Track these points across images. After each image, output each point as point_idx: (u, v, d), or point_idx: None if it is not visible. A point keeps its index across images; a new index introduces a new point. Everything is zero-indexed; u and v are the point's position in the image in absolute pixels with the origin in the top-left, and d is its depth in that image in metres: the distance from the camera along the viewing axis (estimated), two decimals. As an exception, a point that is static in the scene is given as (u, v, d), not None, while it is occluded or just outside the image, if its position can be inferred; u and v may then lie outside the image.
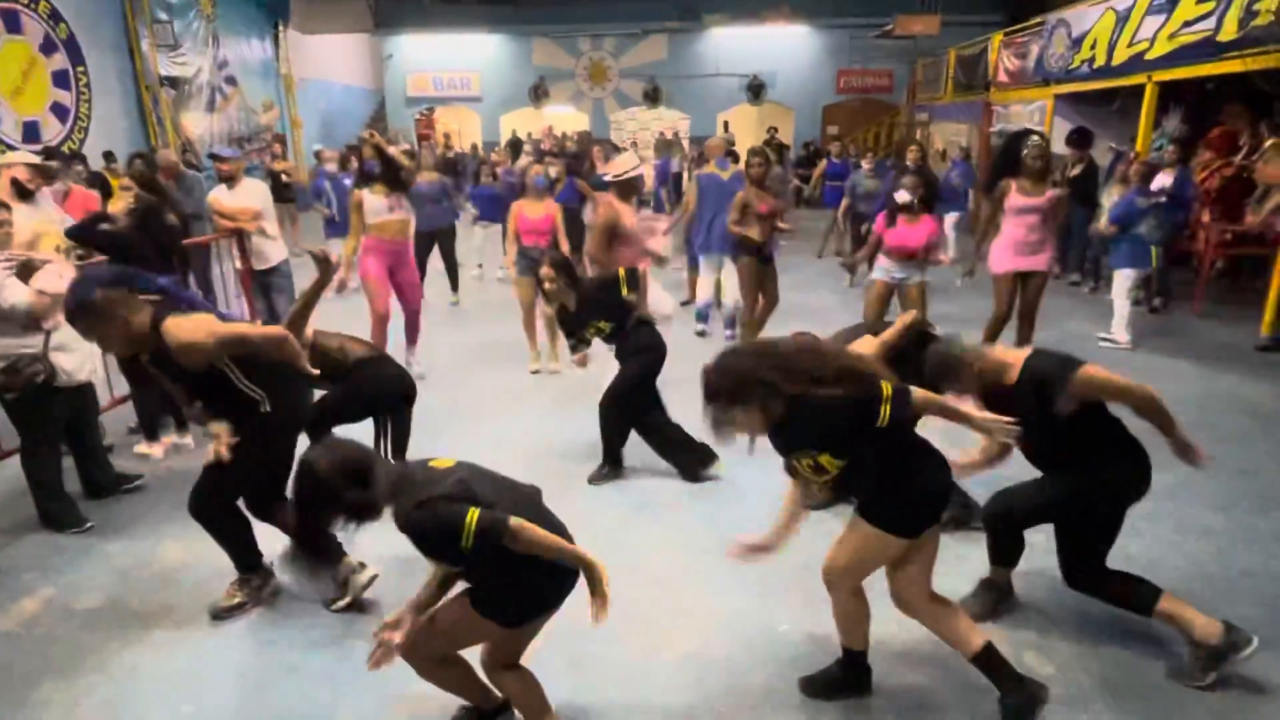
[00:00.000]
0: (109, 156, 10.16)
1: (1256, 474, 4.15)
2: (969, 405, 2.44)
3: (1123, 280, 6.44)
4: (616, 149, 10.41)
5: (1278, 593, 3.11)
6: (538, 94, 21.00)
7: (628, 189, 5.32)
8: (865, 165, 9.63)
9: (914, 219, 5.28)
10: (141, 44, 12.06)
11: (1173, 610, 2.60)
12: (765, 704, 2.59)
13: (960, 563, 3.21)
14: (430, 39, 20.62)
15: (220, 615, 3.06)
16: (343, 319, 3.98)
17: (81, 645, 2.94)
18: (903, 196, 5.29)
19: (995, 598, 2.99)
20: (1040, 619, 2.96)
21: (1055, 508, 2.73)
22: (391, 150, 5.59)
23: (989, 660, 2.40)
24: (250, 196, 5.74)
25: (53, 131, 10.34)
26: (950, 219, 9.84)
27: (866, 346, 3.28)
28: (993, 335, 5.64)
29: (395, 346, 5.41)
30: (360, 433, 3.64)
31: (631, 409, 4.16)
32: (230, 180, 5.73)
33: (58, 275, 3.57)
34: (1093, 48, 9.32)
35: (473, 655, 2.30)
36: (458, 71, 21.16)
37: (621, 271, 4.12)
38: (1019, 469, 2.85)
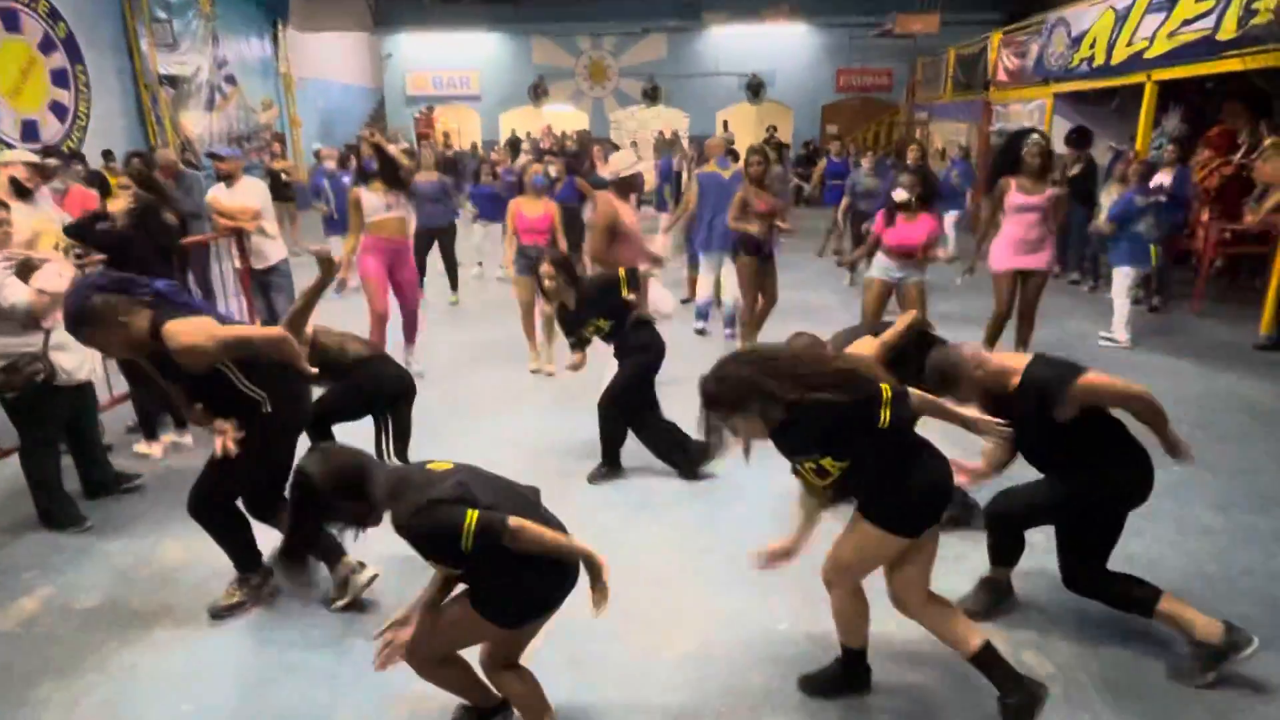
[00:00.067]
0: (108, 155, 10.15)
1: (1256, 473, 4.15)
2: (967, 408, 2.45)
3: (1122, 278, 6.44)
4: (617, 148, 10.40)
5: (1277, 592, 3.11)
6: (537, 93, 20.99)
7: (626, 187, 5.34)
8: (865, 164, 9.63)
9: (912, 217, 5.28)
10: (140, 43, 12.04)
11: (1173, 611, 2.60)
12: (765, 703, 2.59)
13: (960, 562, 3.21)
14: (429, 38, 20.61)
15: (219, 614, 3.06)
16: (342, 318, 3.98)
17: (81, 644, 2.94)
18: (900, 195, 5.29)
19: (994, 597, 2.99)
20: (1040, 618, 2.96)
21: (1057, 509, 2.73)
22: (390, 149, 5.58)
23: (987, 660, 2.40)
24: (249, 195, 5.73)
25: (51, 130, 10.33)
26: (950, 217, 9.85)
27: (867, 347, 3.29)
28: (994, 334, 5.65)
29: (394, 345, 5.41)
30: (361, 431, 3.65)
31: (630, 408, 4.17)
32: (229, 179, 5.73)
33: (57, 274, 3.57)
34: (1092, 46, 9.32)
35: (471, 654, 2.30)
36: (457, 70, 21.15)
37: (622, 271, 4.12)
38: (1021, 469, 2.85)
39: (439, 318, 7.75)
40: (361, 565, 3.10)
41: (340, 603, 3.07)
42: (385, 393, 3.69)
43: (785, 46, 20.04)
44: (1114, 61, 8.88)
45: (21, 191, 4.21)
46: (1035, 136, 5.38)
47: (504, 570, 2.06)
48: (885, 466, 2.29)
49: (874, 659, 2.62)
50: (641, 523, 3.73)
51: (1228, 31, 6.94)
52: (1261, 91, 8.61)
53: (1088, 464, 2.60)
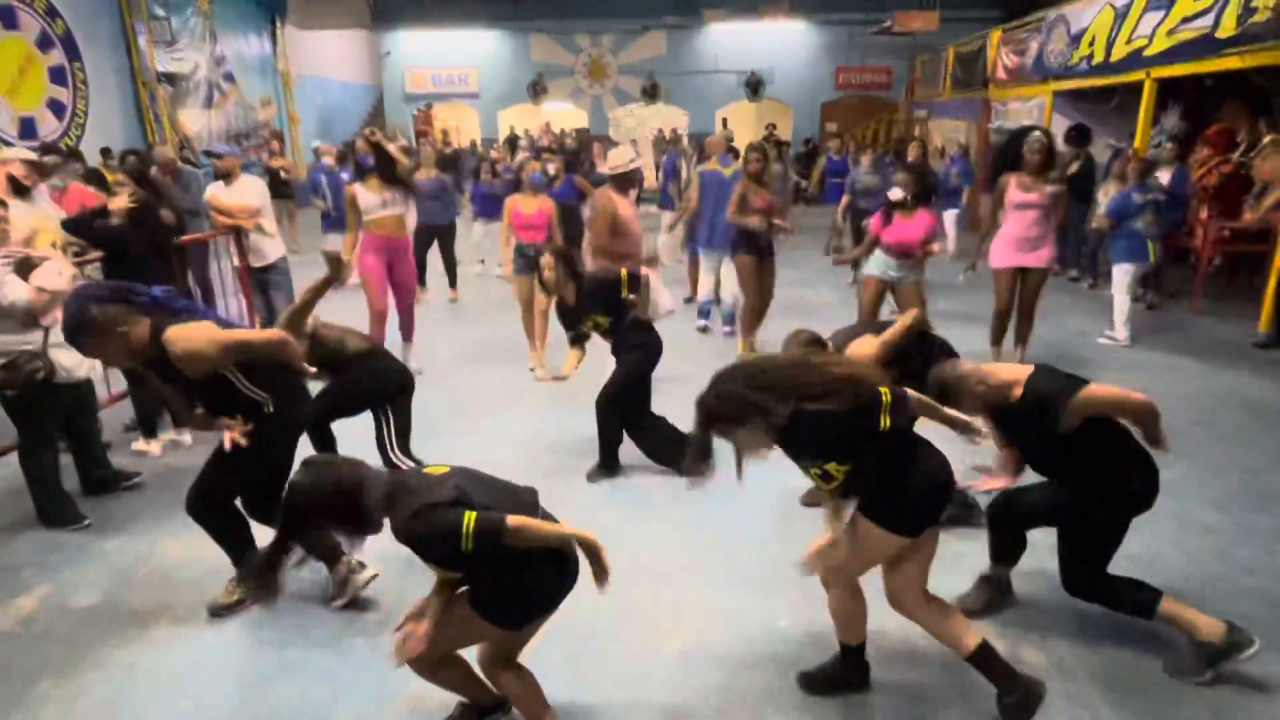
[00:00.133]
0: (106, 153, 10.12)
1: (1255, 471, 4.15)
2: (949, 409, 2.47)
3: (1121, 275, 6.44)
4: (617, 146, 10.39)
5: (1276, 589, 3.11)
6: (536, 90, 20.98)
7: (625, 182, 5.37)
8: (865, 162, 9.62)
9: (909, 215, 5.29)
10: (139, 40, 12.02)
11: (1175, 613, 2.61)
12: (764, 701, 2.59)
13: (959, 560, 3.21)
14: (428, 35, 20.59)
15: (219, 613, 3.06)
16: (341, 316, 3.97)
17: (79, 643, 2.93)
18: (896, 194, 5.32)
19: (993, 594, 2.99)
20: (1039, 615, 2.96)
21: (1060, 512, 2.72)
22: (390, 147, 5.58)
23: (984, 659, 2.40)
24: (248, 194, 5.73)
25: (49, 128, 10.31)
26: (950, 216, 9.84)
27: (867, 347, 3.29)
28: (998, 331, 5.65)
29: (393, 344, 5.40)
30: (361, 427, 3.65)
31: (626, 406, 4.17)
32: (227, 177, 5.72)
33: (57, 272, 3.56)
34: (1091, 44, 9.31)
35: (470, 653, 2.30)
36: (456, 68, 21.13)
37: (624, 273, 4.12)
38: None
39: (438, 316, 7.74)
40: (361, 565, 3.10)
41: (339, 601, 3.07)
42: (385, 387, 3.70)
43: (784, 44, 20.02)
44: (1113, 59, 8.87)
45: (19, 189, 4.20)
46: (1037, 134, 5.37)
47: (504, 572, 2.07)
48: (886, 467, 2.29)
49: (873, 656, 2.62)
50: (640, 521, 3.73)
51: (1227, 29, 6.93)
52: (1260, 89, 8.61)
53: (1093, 471, 2.59)
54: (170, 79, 12.87)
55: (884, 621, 2.63)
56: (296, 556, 2.11)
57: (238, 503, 3.08)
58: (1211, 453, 4.34)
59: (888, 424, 2.16)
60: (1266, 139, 7.38)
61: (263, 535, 3.08)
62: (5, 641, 2.97)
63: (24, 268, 3.52)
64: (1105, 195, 7.47)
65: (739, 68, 20.40)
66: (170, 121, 12.69)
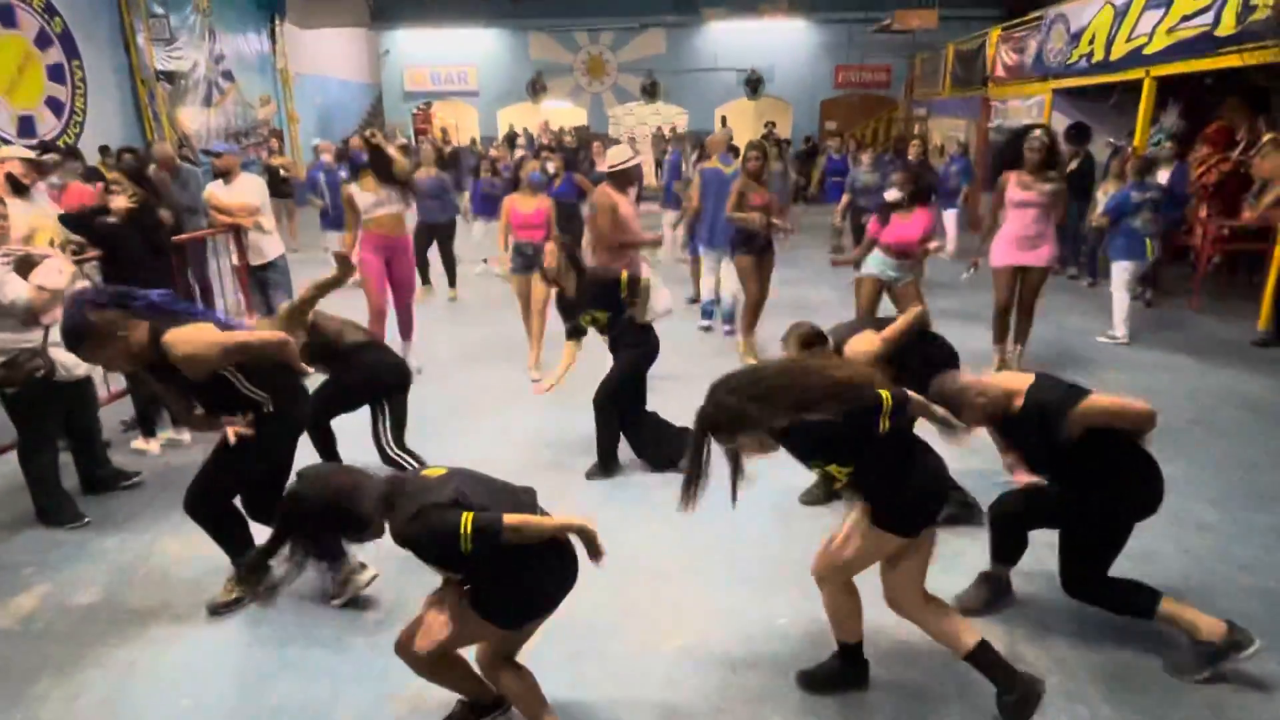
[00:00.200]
0: (104, 151, 10.12)
1: (1254, 468, 4.16)
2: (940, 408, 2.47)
3: (1120, 273, 6.45)
4: (618, 144, 10.38)
5: (1274, 587, 3.11)
6: (535, 89, 20.95)
7: (624, 180, 5.38)
8: (865, 160, 9.62)
9: (907, 215, 5.29)
10: (137, 38, 12.00)
11: (1175, 613, 2.61)
12: (764, 699, 2.59)
13: (958, 558, 3.21)
14: (427, 33, 20.56)
15: (218, 611, 3.06)
16: (339, 313, 3.98)
17: (79, 641, 2.93)
18: (892, 194, 5.33)
19: (993, 592, 2.99)
20: (1038, 613, 2.96)
21: (1063, 515, 2.72)
22: (390, 149, 5.60)
23: (983, 658, 2.41)
24: (247, 192, 5.73)
25: (48, 126, 10.30)
26: (950, 215, 9.84)
27: (867, 343, 3.29)
28: (999, 329, 5.64)
29: (392, 342, 5.39)
30: (359, 422, 3.65)
31: (622, 403, 4.17)
32: (226, 175, 5.73)
33: (56, 270, 3.56)
34: (1091, 42, 9.31)
35: (469, 651, 2.31)
36: (455, 66, 21.10)
37: (624, 275, 4.12)
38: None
39: (439, 314, 7.74)
40: (362, 566, 3.10)
41: (339, 600, 3.07)
42: (383, 381, 3.70)
43: (784, 42, 20.00)
44: (1113, 57, 8.86)
45: (18, 188, 4.20)
46: (1038, 132, 5.37)
47: (504, 572, 2.08)
48: (885, 468, 2.30)
49: (873, 653, 2.62)
50: (640, 520, 3.73)
51: (1226, 27, 6.93)
52: (1260, 88, 8.60)
53: (1095, 477, 2.58)
54: (169, 77, 12.85)
55: (883, 620, 2.63)
56: (299, 559, 2.11)
57: (237, 502, 3.08)
58: (1210, 451, 4.34)
59: (886, 428, 2.17)
60: (1266, 137, 7.38)
61: (262, 535, 3.09)
62: (5, 640, 2.97)
63: (24, 266, 3.52)
64: (1104, 194, 7.47)
65: (738, 66, 20.37)
66: (169, 120, 12.67)
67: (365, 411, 3.73)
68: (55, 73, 10.48)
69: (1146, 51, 8.18)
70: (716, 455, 2.29)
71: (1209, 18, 7.16)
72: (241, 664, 2.81)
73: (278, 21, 16.58)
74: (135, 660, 2.83)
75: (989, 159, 12.00)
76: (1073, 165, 8.41)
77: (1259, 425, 4.74)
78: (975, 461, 3.66)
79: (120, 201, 4.34)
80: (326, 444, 3.82)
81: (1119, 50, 8.72)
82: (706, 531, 3.57)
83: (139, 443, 4.56)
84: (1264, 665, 2.60)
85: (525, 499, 2.21)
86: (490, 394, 5.47)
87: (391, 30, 20.67)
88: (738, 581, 3.20)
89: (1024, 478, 2.91)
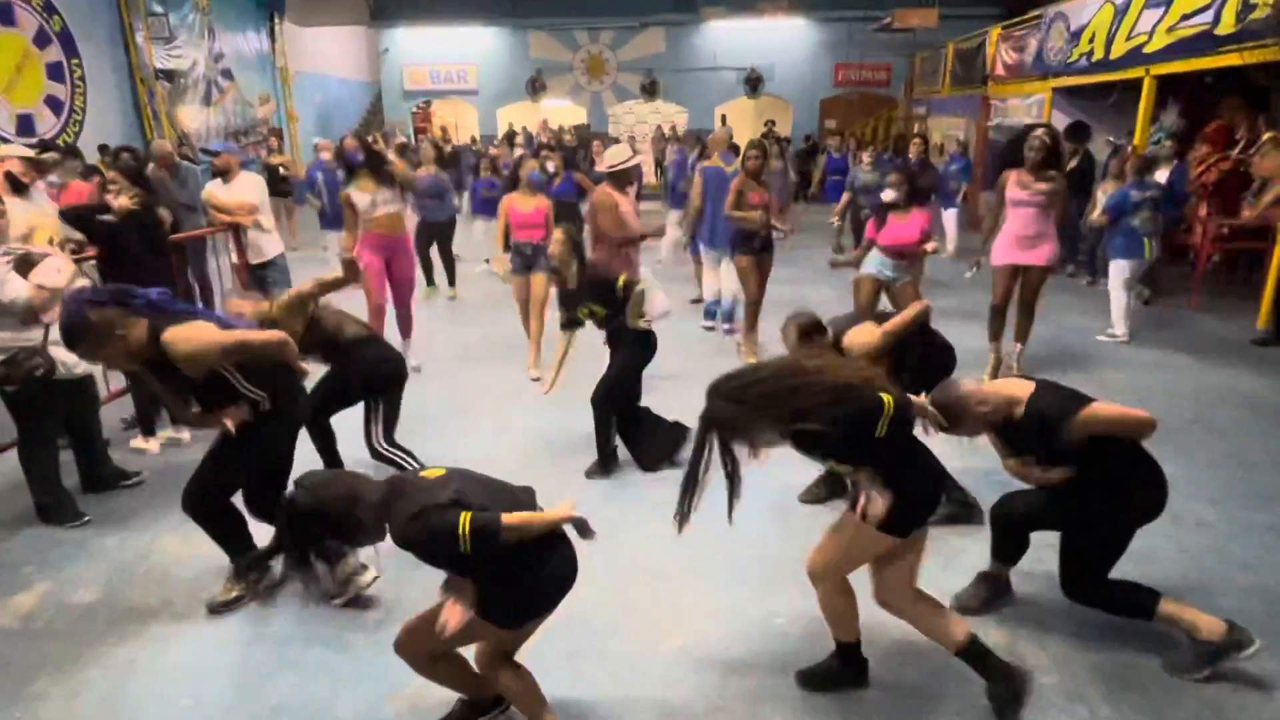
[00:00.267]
0: (104, 150, 10.11)
1: (1252, 467, 4.16)
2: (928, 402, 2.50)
3: (1118, 272, 6.45)
4: (618, 143, 10.39)
5: (1274, 586, 3.12)
6: (535, 87, 20.93)
7: (622, 179, 5.40)
8: (865, 159, 9.62)
9: (904, 215, 5.29)
10: (136, 37, 11.98)
11: (1174, 613, 2.61)
12: (762, 698, 2.59)
13: (957, 557, 3.22)
14: (427, 32, 20.54)
15: (218, 609, 3.06)
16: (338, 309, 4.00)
17: (79, 639, 2.94)
18: (888, 196, 5.33)
19: (992, 592, 3.00)
20: (1037, 611, 2.97)
21: (1065, 518, 2.71)
22: (386, 151, 5.62)
23: (974, 653, 2.42)
24: (246, 190, 5.73)
25: (47, 125, 10.29)
26: (950, 214, 9.84)
27: (868, 335, 3.28)
28: (995, 327, 5.63)
29: (391, 340, 5.40)
30: (356, 417, 3.65)
31: (619, 402, 4.17)
32: (226, 174, 5.72)
33: (56, 269, 3.56)
34: (1091, 41, 9.30)
35: (468, 650, 2.31)
36: (454, 64, 21.07)
37: (622, 279, 4.12)
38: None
39: (439, 313, 7.74)
40: (364, 566, 3.10)
41: (340, 600, 3.08)
42: (381, 375, 3.71)
43: (783, 41, 19.99)
44: (1113, 56, 8.86)
45: (17, 186, 4.19)
46: (1039, 131, 5.36)
47: (504, 572, 2.08)
48: (883, 469, 2.30)
49: (871, 653, 2.62)
50: (640, 519, 3.73)
51: (1226, 26, 6.93)
52: (1260, 86, 8.59)
53: (1097, 483, 2.57)
54: (168, 76, 12.84)
55: (881, 618, 2.63)
56: (300, 563, 2.12)
57: (238, 501, 3.08)
58: (1209, 449, 4.35)
59: (884, 431, 2.17)
60: (1265, 136, 7.37)
61: (262, 533, 3.10)
62: (4, 638, 2.97)
63: (24, 265, 3.52)
64: (1104, 192, 7.47)
65: (738, 64, 20.35)
66: (168, 118, 12.66)
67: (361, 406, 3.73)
68: (54, 71, 10.47)
69: (1146, 50, 8.18)
70: (715, 457, 2.29)
71: (1209, 16, 7.16)
72: (241, 663, 2.81)
73: (277, 20, 16.56)
74: (135, 659, 2.83)
75: (989, 158, 12.00)
76: (1072, 164, 8.41)
77: (1258, 424, 4.75)
78: (975, 461, 3.66)
79: (121, 201, 4.34)
80: (326, 442, 3.82)
81: (1119, 49, 8.72)
82: (705, 531, 3.55)
83: (138, 442, 4.56)
84: (1264, 665, 2.60)
85: (524, 498, 2.21)
86: (490, 393, 5.47)
87: (391, 29, 20.65)
88: (737, 581, 3.20)
89: (1055, 475, 2.69)
